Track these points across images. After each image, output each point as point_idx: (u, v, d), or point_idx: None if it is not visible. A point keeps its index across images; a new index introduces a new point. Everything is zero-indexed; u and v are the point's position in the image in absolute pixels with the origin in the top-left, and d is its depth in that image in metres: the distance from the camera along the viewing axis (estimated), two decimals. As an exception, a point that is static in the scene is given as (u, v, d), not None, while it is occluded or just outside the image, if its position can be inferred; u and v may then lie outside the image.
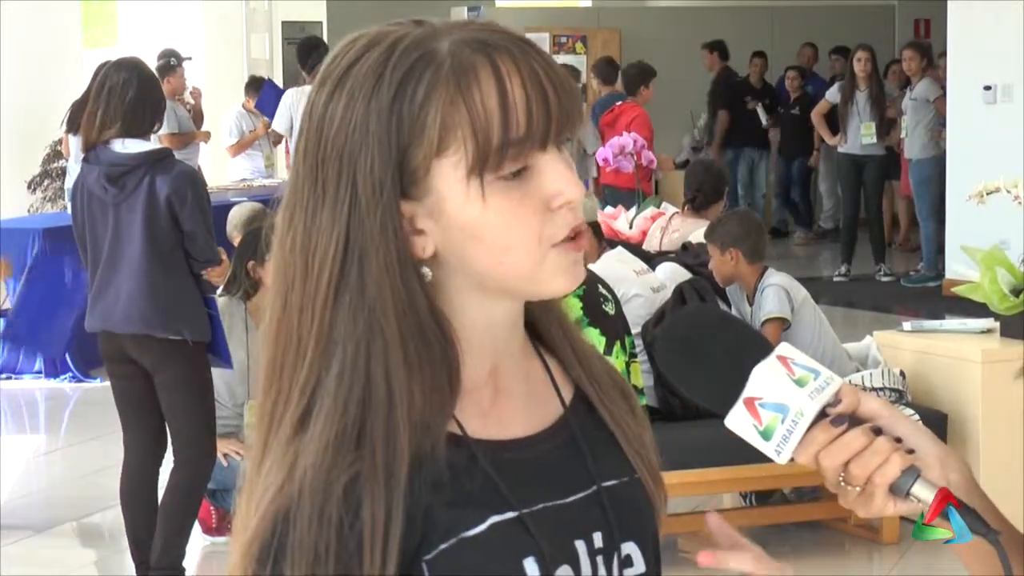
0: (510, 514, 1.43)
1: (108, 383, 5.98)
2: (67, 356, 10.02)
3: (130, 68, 5.67)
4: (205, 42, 15.12)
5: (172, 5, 15.33)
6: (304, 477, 1.37)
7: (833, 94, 13.79)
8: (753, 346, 1.47)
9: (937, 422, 6.45)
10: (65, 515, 7.19)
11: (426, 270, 1.44)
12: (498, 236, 1.41)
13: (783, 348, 1.47)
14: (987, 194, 6.86)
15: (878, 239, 13.94)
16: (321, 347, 1.41)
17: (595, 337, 5.91)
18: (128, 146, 5.54)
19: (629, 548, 1.51)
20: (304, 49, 11.81)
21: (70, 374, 10.02)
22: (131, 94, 5.56)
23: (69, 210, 5.93)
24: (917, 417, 6.36)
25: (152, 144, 5.78)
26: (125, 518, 5.78)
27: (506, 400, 1.50)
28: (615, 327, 6.02)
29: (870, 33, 15.97)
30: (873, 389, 6.45)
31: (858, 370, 6.65)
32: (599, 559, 1.48)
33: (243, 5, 15.84)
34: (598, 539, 1.48)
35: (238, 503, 1.46)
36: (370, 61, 1.42)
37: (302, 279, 1.43)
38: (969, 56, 12.38)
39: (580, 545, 1.46)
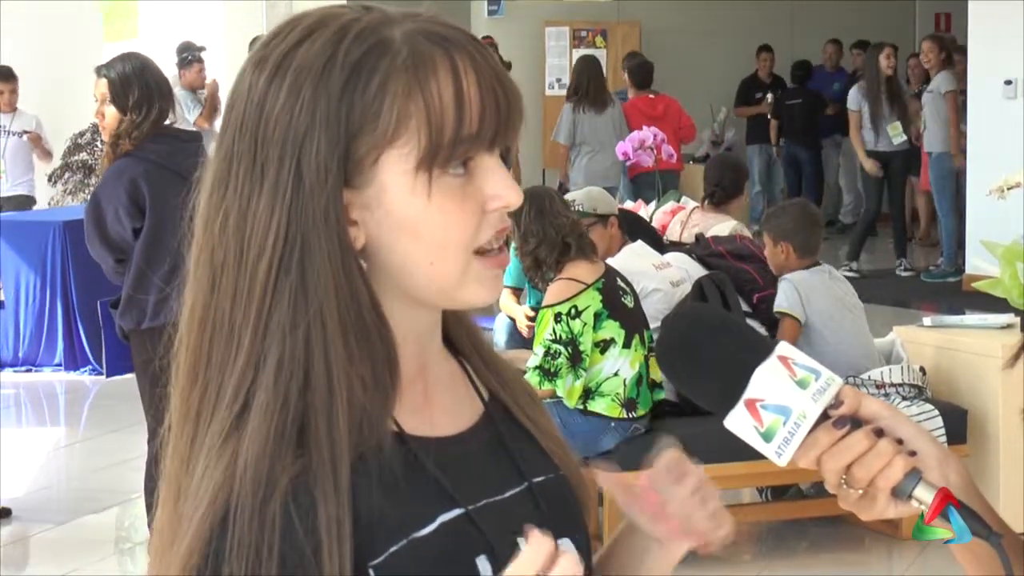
0: (456, 511, 1.40)
1: (128, 375, 5.97)
2: (87, 349, 10.04)
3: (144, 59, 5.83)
4: (225, 37, 15.12)
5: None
6: (244, 477, 1.31)
7: (855, 100, 13.32)
8: (752, 347, 1.46)
9: (957, 417, 6.44)
10: (85, 508, 7.20)
11: (362, 262, 1.39)
12: (435, 234, 1.38)
13: (783, 348, 1.45)
14: (1007, 189, 6.84)
15: (900, 233, 13.86)
16: (259, 337, 1.35)
17: (615, 330, 5.90)
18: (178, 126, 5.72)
19: (565, 544, 1.48)
20: None
21: (90, 367, 10.03)
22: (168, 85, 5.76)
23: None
24: (936, 413, 6.35)
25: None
26: (148, 510, 5.79)
27: (435, 398, 1.47)
28: (634, 320, 6.02)
29: (891, 27, 15.94)
30: (893, 385, 6.43)
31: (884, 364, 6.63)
32: None
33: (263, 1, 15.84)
34: None
35: (160, 498, 1.39)
36: (318, 44, 1.38)
37: (236, 263, 1.37)
38: (989, 50, 12.35)
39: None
